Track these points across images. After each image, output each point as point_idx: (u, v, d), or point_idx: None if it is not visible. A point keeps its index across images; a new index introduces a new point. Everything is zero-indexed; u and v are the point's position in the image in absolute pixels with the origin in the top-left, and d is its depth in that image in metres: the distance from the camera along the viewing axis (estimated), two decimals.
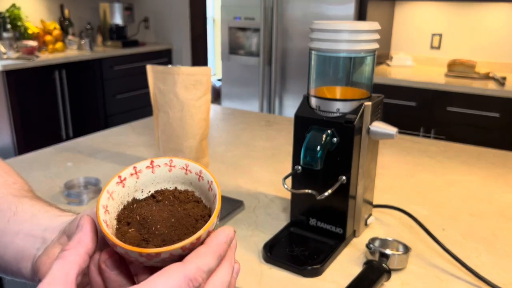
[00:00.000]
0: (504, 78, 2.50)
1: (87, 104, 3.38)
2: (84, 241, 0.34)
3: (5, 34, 3.05)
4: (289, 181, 0.99)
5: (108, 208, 0.35)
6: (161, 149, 1.11)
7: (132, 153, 1.27)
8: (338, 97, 0.78)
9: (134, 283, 0.35)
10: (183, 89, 1.03)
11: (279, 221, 0.90)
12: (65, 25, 3.64)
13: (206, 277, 0.33)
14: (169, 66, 1.04)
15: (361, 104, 0.76)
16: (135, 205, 0.37)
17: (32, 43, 3.10)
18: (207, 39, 4.34)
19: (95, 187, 1.00)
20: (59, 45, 3.34)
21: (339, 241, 0.80)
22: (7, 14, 3.24)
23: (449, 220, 0.92)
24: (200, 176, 0.37)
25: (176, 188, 0.38)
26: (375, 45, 0.76)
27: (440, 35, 3.00)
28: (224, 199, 0.96)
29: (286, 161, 1.23)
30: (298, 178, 0.83)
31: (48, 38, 3.41)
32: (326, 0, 2.61)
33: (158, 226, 0.34)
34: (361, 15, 2.61)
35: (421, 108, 2.58)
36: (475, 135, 2.46)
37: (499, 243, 0.84)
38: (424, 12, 3.01)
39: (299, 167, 0.81)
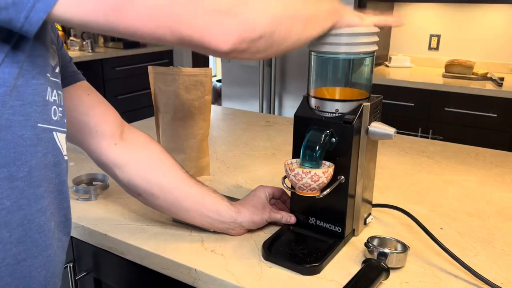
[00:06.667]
0: (502, 79, 2.51)
1: None
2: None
3: None
4: (288, 180, 0.99)
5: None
6: None
7: None
8: (337, 97, 0.79)
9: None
10: (184, 90, 1.04)
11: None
12: (67, 26, 3.65)
13: None
14: (170, 67, 1.05)
15: (360, 105, 0.77)
16: None
17: None
18: None
19: (102, 183, 1.01)
20: None
21: (338, 239, 0.81)
22: None
23: (447, 219, 0.93)
24: None
25: None
26: (374, 47, 0.77)
27: (438, 36, 3.01)
28: None
29: None
30: None
31: None
32: None
33: None
34: None
35: (419, 109, 2.59)
36: (473, 135, 2.47)
37: (497, 242, 0.85)
38: (423, 14, 3.02)
39: None
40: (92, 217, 0.91)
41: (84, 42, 3.47)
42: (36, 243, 0.57)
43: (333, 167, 0.76)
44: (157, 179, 0.80)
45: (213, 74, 2.46)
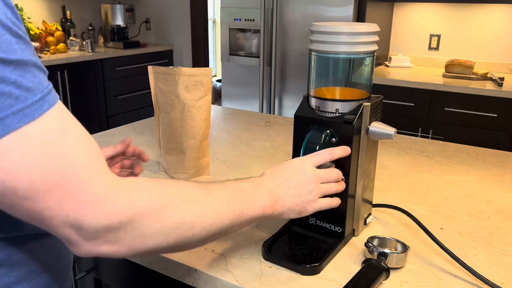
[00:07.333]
0: (502, 79, 2.51)
1: (88, 104, 3.39)
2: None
3: None
4: None
5: None
6: (162, 149, 1.12)
7: None
8: (337, 97, 0.79)
9: None
10: (184, 90, 1.04)
11: (279, 220, 0.91)
12: (67, 26, 3.65)
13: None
14: (170, 67, 1.05)
15: (360, 105, 0.77)
16: None
17: (34, 44, 3.11)
18: (207, 40, 4.35)
19: None
20: (61, 46, 3.35)
21: (338, 239, 0.81)
22: None
23: (447, 219, 0.93)
24: None
25: None
26: (374, 47, 0.77)
27: (439, 36, 3.01)
28: None
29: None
30: None
31: (50, 39, 3.41)
32: (325, 2, 2.63)
33: None
34: (360, 16, 2.63)
35: (419, 109, 2.59)
36: (473, 135, 2.47)
37: (497, 242, 0.85)
38: (423, 14, 3.02)
39: None
40: None
41: (84, 42, 3.47)
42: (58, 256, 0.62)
43: (333, 167, 0.77)
44: None
45: (213, 74, 2.47)
